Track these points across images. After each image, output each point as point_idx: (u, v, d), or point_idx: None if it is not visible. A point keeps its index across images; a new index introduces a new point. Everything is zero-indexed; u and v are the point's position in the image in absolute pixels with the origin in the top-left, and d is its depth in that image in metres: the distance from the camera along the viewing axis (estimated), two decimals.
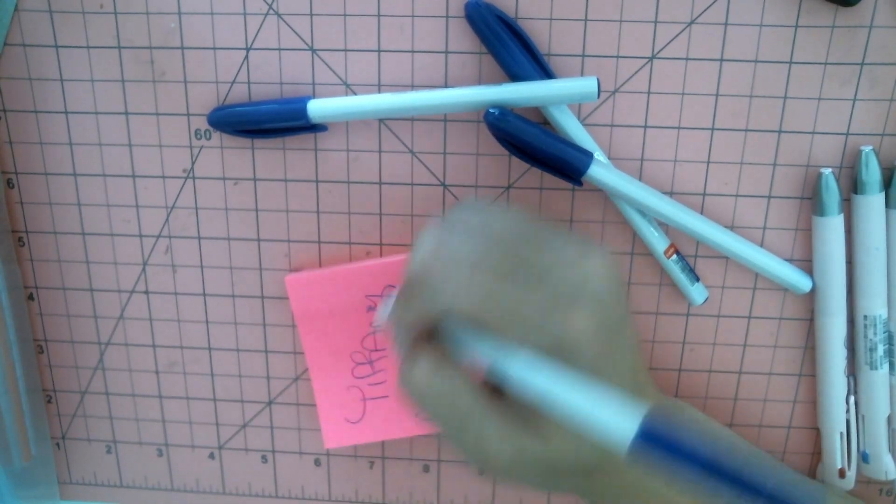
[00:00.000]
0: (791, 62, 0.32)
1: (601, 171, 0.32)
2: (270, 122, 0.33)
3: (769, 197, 0.34)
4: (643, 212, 0.33)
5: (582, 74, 0.33)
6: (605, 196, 0.34)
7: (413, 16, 0.32)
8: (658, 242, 0.34)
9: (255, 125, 0.33)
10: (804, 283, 0.34)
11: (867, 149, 0.32)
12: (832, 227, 0.33)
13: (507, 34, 0.31)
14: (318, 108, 0.33)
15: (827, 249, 0.33)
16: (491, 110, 0.31)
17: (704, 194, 0.34)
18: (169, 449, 0.40)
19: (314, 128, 0.33)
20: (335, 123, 0.34)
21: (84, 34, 0.34)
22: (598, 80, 0.31)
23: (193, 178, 0.35)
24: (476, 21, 0.31)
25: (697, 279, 0.35)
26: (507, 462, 0.26)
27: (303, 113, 0.32)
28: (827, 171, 0.33)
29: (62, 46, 0.34)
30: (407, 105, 0.32)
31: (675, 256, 0.34)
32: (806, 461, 0.38)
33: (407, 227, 0.35)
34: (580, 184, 0.32)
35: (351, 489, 0.40)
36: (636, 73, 0.32)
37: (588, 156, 0.32)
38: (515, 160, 0.34)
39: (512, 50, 0.31)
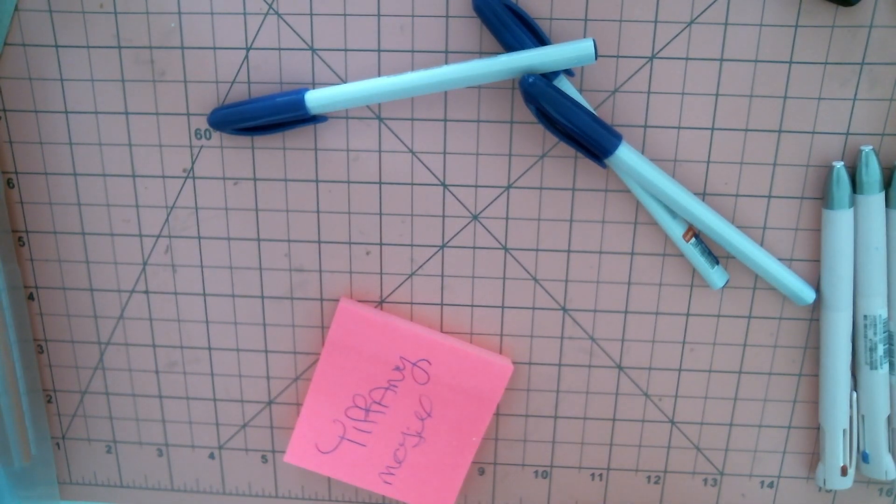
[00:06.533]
0: (791, 62, 0.32)
1: (629, 153, 0.32)
2: (269, 115, 0.33)
3: (769, 197, 0.34)
4: (663, 201, 0.33)
5: (583, 74, 0.33)
6: (604, 196, 0.34)
7: (413, 15, 0.32)
8: (676, 227, 0.34)
9: (255, 120, 0.33)
10: (808, 295, 0.34)
11: (867, 149, 0.32)
12: (842, 221, 0.33)
13: (515, 23, 0.31)
14: (316, 97, 0.33)
15: (836, 244, 0.33)
16: (526, 77, 0.31)
17: (704, 194, 0.34)
18: (169, 449, 0.40)
19: (314, 119, 0.33)
20: (335, 121, 0.34)
21: (84, 34, 0.34)
22: (594, 41, 0.30)
23: (193, 177, 0.35)
24: (483, 10, 0.31)
25: (717, 262, 0.34)
26: None
27: (301, 104, 0.32)
28: (839, 165, 0.32)
29: (62, 46, 0.34)
30: (404, 86, 0.32)
31: (693, 240, 0.33)
32: (806, 461, 0.38)
33: (407, 227, 0.35)
34: (604, 165, 0.32)
35: (351, 489, 0.40)
36: (636, 72, 0.32)
37: (617, 137, 0.32)
38: (515, 160, 0.34)
39: (522, 39, 0.31)
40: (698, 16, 0.32)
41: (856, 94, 0.32)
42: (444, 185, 0.35)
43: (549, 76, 0.31)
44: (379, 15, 0.32)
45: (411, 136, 0.34)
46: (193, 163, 0.35)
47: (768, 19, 0.31)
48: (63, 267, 0.37)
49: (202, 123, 0.35)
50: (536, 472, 0.39)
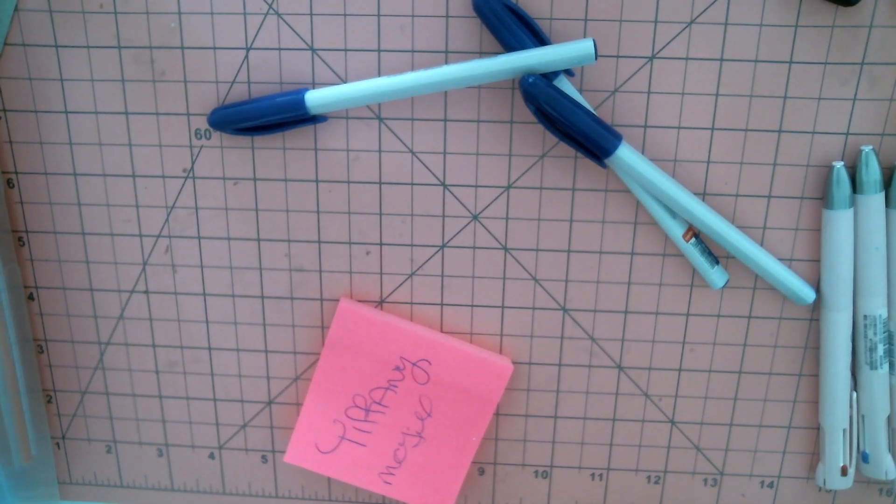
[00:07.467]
0: (791, 62, 0.32)
1: (629, 153, 0.32)
2: (269, 115, 0.33)
3: (769, 197, 0.34)
4: (663, 201, 0.33)
5: (583, 74, 0.33)
6: (604, 196, 0.34)
7: (413, 15, 0.32)
8: (676, 226, 0.34)
9: (255, 120, 0.33)
10: (808, 295, 0.34)
11: (867, 149, 0.32)
12: (842, 221, 0.33)
13: (515, 23, 0.31)
14: (316, 97, 0.33)
15: (836, 244, 0.33)
16: (526, 77, 0.31)
17: (704, 194, 0.34)
18: (169, 449, 0.40)
19: (314, 119, 0.33)
20: (335, 121, 0.34)
21: (84, 34, 0.34)
22: (594, 41, 0.30)
23: (193, 177, 0.35)
24: (483, 10, 0.31)
25: (717, 262, 0.34)
26: None
27: (301, 104, 0.32)
28: (839, 165, 0.32)
29: (62, 46, 0.34)
30: (404, 86, 0.32)
31: (693, 240, 0.33)
32: (806, 461, 0.38)
33: (407, 227, 0.35)
34: (604, 165, 0.32)
35: (351, 489, 0.40)
36: (636, 72, 0.32)
37: (617, 137, 0.32)
38: (515, 160, 0.34)
39: (522, 39, 0.31)
40: (698, 16, 0.32)
41: (856, 94, 0.32)
42: (444, 185, 0.35)
43: (549, 76, 0.31)
44: (379, 15, 0.32)
45: (411, 136, 0.34)
46: (193, 163, 0.35)
47: (768, 19, 0.31)
48: (63, 267, 0.37)
49: (202, 123, 0.35)
50: (536, 472, 0.39)
